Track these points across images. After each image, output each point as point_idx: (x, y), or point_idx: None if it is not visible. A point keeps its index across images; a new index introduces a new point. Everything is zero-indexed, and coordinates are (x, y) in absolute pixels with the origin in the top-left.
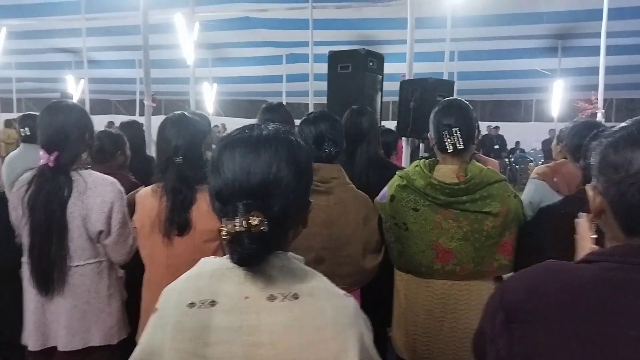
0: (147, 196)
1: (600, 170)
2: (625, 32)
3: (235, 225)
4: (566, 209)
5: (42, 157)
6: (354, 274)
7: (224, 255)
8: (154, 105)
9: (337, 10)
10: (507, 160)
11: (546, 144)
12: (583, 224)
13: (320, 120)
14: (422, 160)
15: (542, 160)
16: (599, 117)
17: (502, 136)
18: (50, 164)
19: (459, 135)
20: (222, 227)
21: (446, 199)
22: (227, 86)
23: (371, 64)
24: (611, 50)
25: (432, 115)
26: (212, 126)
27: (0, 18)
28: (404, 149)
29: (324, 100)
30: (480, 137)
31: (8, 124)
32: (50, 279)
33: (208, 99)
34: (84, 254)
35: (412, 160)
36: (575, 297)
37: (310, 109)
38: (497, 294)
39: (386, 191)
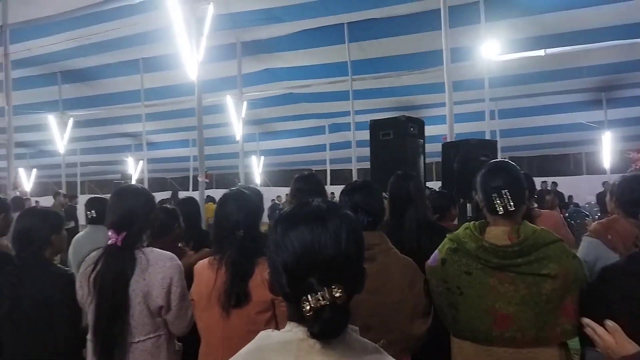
0: (204, 268)
1: None
2: None
3: (319, 300)
4: (632, 268)
5: (110, 237)
6: (402, 340)
7: (276, 326)
8: (207, 181)
9: (376, 81)
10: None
11: (601, 197)
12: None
13: (356, 191)
14: (472, 222)
15: (599, 215)
16: None
17: (560, 192)
18: (119, 244)
19: (509, 197)
20: (304, 303)
21: (500, 261)
22: (274, 158)
23: (412, 129)
24: None
25: (478, 178)
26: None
27: (68, 110)
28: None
29: (367, 165)
30: (534, 194)
31: (56, 194)
32: (112, 356)
33: (256, 171)
34: (144, 329)
35: (460, 221)
36: None
37: (354, 175)
38: None
39: (437, 255)
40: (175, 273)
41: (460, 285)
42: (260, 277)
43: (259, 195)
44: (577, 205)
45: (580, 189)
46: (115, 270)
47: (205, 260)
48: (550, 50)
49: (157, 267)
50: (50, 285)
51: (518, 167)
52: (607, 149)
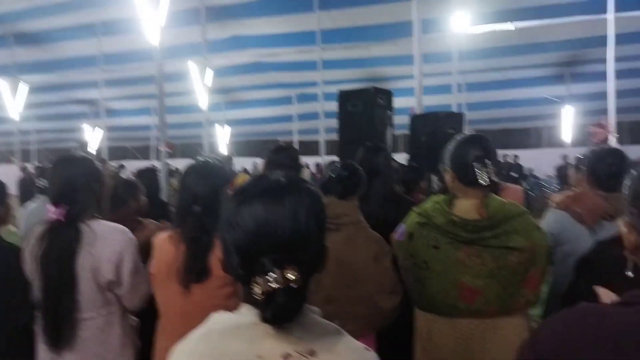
0: (164, 242)
1: (634, 204)
2: (632, 56)
3: (269, 282)
4: (602, 256)
5: (50, 212)
6: (370, 315)
7: (240, 299)
8: (169, 150)
9: (345, 51)
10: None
11: (560, 170)
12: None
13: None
14: (441, 196)
15: (558, 187)
16: (612, 141)
17: (520, 165)
18: (62, 219)
19: (492, 167)
20: (253, 285)
21: (469, 235)
22: (240, 128)
23: (380, 100)
24: (619, 75)
25: (453, 148)
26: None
27: (21, 74)
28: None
29: (335, 137)
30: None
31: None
32: (60, 333)
33: (221, 141)
34: (94, 304)
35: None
36: (614, 344)
37: (322, 147)
38: (528, 343)
39: (403, 228)
40: (126, 247)
41: (427, 259)
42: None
43: (228, 164)
44: (536, 177)
45: (540, 162)
46: (61, 247)
47: (166, 234)
48: (519, 24)
49: (106, 241)
50: None
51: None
52: (567, 123)
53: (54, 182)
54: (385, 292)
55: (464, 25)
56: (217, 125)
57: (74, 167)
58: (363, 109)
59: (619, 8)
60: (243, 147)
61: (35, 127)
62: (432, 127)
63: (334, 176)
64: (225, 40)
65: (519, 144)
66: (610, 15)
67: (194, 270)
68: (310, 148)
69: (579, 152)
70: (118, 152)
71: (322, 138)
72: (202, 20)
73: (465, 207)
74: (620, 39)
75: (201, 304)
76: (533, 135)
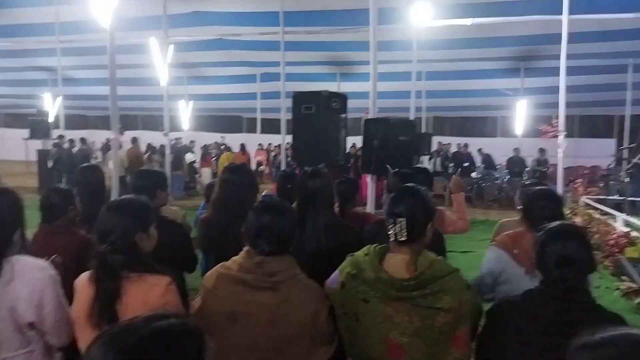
0: (84, 284)
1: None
2: (584, 54)
3: None
4: (525, 306)
5: None
6: None
7: None
8: (122, 135)
9: (308, 34)
10: (473, 177)
11: (511, 162)
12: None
13: (265, 211)
14: (374, 246)
15: (508, 177)
16: (561, 138)
17: (470, 154)
18: None
19: (404, 227)
20: None
21: (397, 293)
22: (203, 103)
23: (334, 104)
24: (571, 71)
25: (385, 204)
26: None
27: None
28: (369, 185)
29: None
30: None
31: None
32: None
33: (184, 115)
34: (12, 344)
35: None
36: None
37: (282, 125)
38: None
39: (337, 276)
40: (46, 285)
41: (357, 311)
42: (135, 297)
43: (148, 205)
44: (491, 166)
45: (494, 150)
46: None
47: (87, 274)
48: (476, 20)
49: (23, 280)
50: None
51: (423, 192)
52: (520, 114)
53: None
54: (321, 345)
55: (423, 17)
56: (181, 101)
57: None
58: (316, 112)
59: (572, 10)
60: (206, 121)
61: None
62: (383, 133)
63: (265, 247)
64: (187, 15)
65: (476, 131)
66: (565, 16)
67: (103, 316)
68: (273, 125)
69: (530, 143)
70: (77, 120)
71: (283, 117)
72: None
73: (395, 263)
74: (573, 37)
75: None
76: (489, 124)
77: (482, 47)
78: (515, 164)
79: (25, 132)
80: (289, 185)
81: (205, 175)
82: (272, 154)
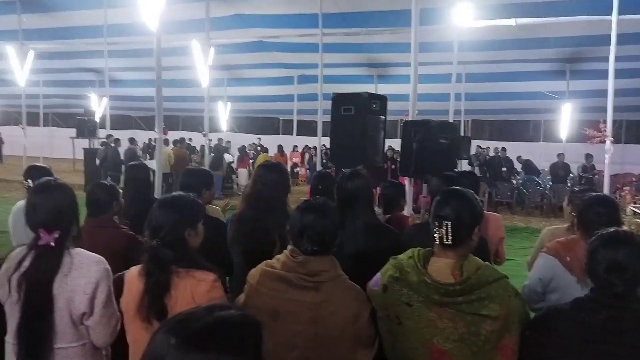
0: (134, 278)
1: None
2: (633, 56)
3: None
4: (574, 315)
5: (42, 237)
6: None
7: None
8: (166, 136)
9: (346, 36)
10: (514, 182)
11: (554, 168)
12: None
13: (309, 212)
14: (417, 250)
15: (550, 184)
16: (608, 144)
17: (510, 159)
18: (52, 243)
19: (449, 230)
20: None
21: (440, 298)
22: (241, 104)
23: (374, 105)
24: (619, 74)
25: (432, 207)
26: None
27: (28, 41)
28: (407, 188)
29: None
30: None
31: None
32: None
33: (222, 116)
34: (66, 336)
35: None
36: None
37: (319, 127)
38: None
39: (379, 279)
40: (101, 278)
41: (399, 315)
42: (183, 291)
43: (196, 206)
44: (530, 171)
45: (536, 155)
46: (44, 272)
47: (136, 268)
48: (520, 20)
49: (81, 272)
50: None
51: (471, 194)
52: (565, 119)
53: (44, 207)
54: (361, 347)
55: (465, 18)
56: (220, 103)
57: (62, 194)
58: (355, 114)
59: (622, 10)
60: (244, 123)
61: (43, 92)
62: (423, 135)
63: (308, 247)
64: (228, 18)
65: (517, 135)
66: (614, 17)
67: (152, 309)
68: (309, 127)
69: (574, 148)
70: (122, 120)
71: (319, 119)
72: None
73: (440, 267)
74: (622, 39)
75: None
76: (532, 128)
77: (525, 49)
78: (560, 169)
79: (73, 131)
80: (320, 186)
81: (242, 176)
82: (307, 155)
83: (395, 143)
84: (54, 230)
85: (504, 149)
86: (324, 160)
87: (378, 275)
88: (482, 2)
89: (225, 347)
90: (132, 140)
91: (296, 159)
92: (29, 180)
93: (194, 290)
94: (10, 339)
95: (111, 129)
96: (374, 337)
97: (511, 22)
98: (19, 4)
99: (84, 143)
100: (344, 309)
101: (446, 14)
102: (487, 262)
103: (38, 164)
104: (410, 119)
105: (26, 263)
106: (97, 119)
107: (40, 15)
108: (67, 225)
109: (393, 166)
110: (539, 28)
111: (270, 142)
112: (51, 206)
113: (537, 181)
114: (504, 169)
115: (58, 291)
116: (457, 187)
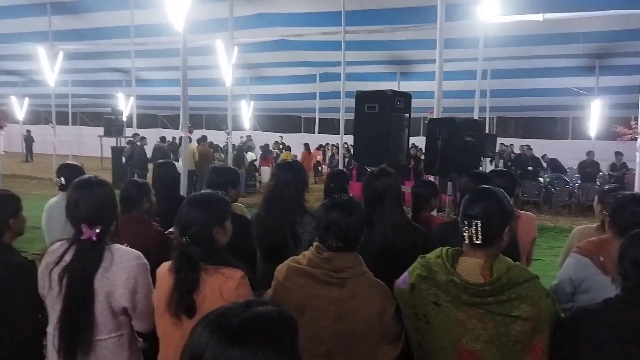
0: (165, 273)
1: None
2: None
3: None
4: (606, 315)
5: (84, 232)
6: None
7: None
8: (191, 135)
9: (369, 33)
10: (541, 180)
11: (583, 166)
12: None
13: (334, 208)
14: (446, 249)
15: (579, 182)
16: (639, 142)
17: (536, 157)
18: (94, 238)
19: (479, 229)
20: None
21: (470, 298)
22: (264, 103)
23: (398, 103)
24: None
25: (461, 205)
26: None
27: (58, 42)
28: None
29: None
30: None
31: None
32: (75, 351)
33: (245, 114)
34: (105, 328)
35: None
36: None
37: (341, 125)
38: None
39: (406, 277)
40: (140, 272)
41: (427, 314)
42: (212, 288)
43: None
44: (557, 170)
45: (564, 153)
46: (86, 266)
47: (167, 264)
48: (548, 15)
49: (121, 267)
50: (7, 272)
51: (501, 193)
52: (594, 115)
53: (86, 203)
54: (386, 344)
55: (491, 13)
56: (242, 101)
57: (103, 190)
58: (379, 112)
59: None
60: (266, 121)
61: (72, 92)
62: (448, 133)
63: (333, 243)
64: (251, 17)
65: (544, 133)
66: None
67: (181, 305)
68: (331, 125)
69: (604, 146)
70: (148, 119)
71: (342, 117)
72: None
73: (469, 267)
74: None
75: None
76: (559, 125)
77: (553, 44)
78: (589, 167)
79: (100, 130)
80: (332, 184)
81: (265, 174)
82: (329, 153)
83: (417, 141)
84: (96, 226)
85: (528, 147)
86: (346, 158)
87: (406, 274)
88: None
89: (265, 342)
90: (162, 139)
91: (319, 157)
92: (62, 178)
93: (222, 286)
94: (51, 330)
95: (137, 127)
96: (399, 334)
97: (539, 17)
98: (49, 6)
99: (112, 141)
100: (369, 306)
101: (471, 10)
102: (517, 263)
103: (70, 162)
104: (435, 116)
105: (67, 257)
106: (124, 118)
107: (69, 17)
108: (108, 220)
109: (415, 164)
110: (568, 23)
111: (292, 140)
112: (93, 202)
113: (565, 179)
114: (530, 167)
115: (99, 285)
116: (487, 186)
